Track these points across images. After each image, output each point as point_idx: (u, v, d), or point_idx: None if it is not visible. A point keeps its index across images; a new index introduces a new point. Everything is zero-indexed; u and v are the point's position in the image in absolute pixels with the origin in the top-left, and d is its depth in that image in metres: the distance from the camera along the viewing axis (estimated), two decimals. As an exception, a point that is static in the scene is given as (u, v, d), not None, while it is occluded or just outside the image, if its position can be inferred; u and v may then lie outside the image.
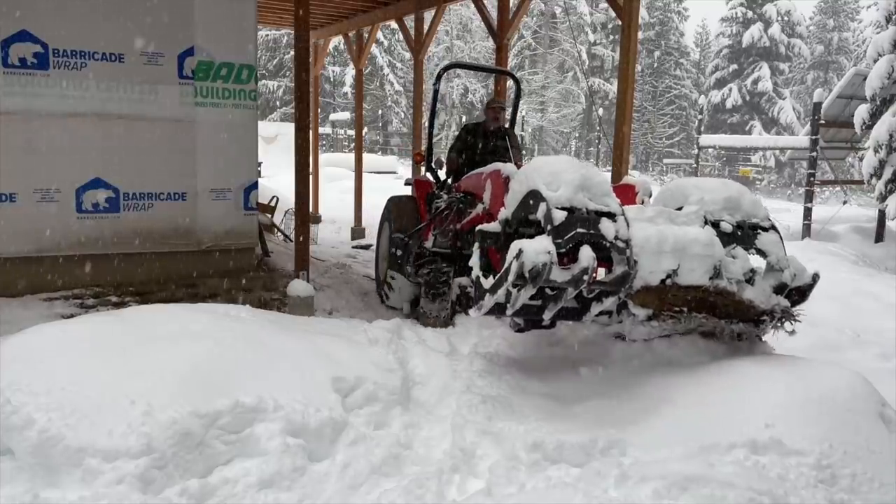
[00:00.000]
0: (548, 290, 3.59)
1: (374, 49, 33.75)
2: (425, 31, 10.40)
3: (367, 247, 11.04)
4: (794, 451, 2.98)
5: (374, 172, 22.44)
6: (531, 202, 3.63)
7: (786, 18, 40.74)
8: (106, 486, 2.64)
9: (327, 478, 2.99)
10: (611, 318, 3.86)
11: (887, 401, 3.44)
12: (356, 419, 3.33)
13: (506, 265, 3.46)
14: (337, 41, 19.89)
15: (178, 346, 3.31)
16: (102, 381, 2.99)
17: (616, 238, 3.45)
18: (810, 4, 47.47)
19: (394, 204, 6.75)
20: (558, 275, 3.35)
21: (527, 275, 3.33)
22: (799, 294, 3.87)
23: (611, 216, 3.52)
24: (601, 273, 3.61)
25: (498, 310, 3.70)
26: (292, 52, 17.84)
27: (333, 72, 36.54)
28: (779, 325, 3.87)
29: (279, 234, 9.80)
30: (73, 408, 2.82)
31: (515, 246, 3.39)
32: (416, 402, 3.75)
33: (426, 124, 7.07)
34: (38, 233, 6.22)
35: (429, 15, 10.44)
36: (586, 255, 3.37)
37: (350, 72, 32.86)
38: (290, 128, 10.37)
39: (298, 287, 5.91)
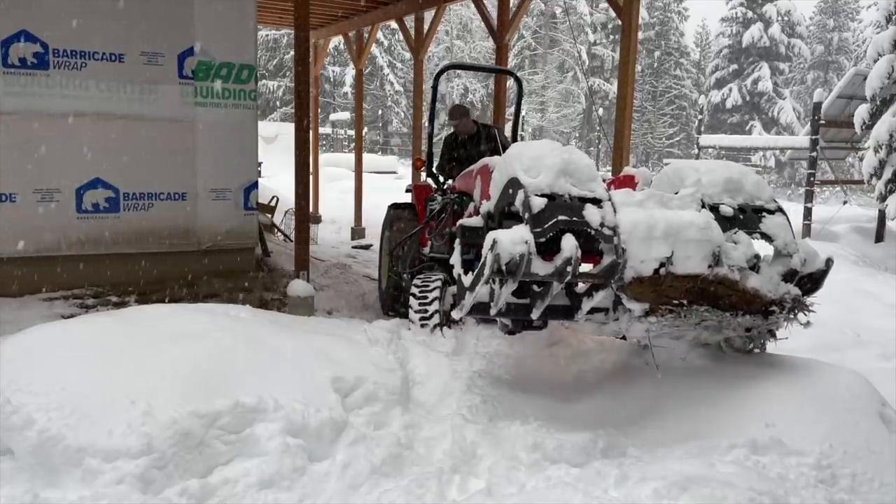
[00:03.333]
0: (535, 287, 3.35)
1: (374, 49, 33.75)
2: (425, 31, 10.41)
3: (367, 247, 11.04)
4: (794, 451, 2.99)
5: (374, 172, 22.46)
6: (511, 191, 3.39)
7: (786, 18, 40.73)
8: (106, 486, 2.64)
9: (327, 478, 2.98)
10: (607, 317, 3.52)
11: (887, 401, 3.44)
12: (356, 419, 3.33)
13: (482, 258, 3.23)
14: (337, 41, 19.90)
15: (179, 346, 3.31)
16: (102, 381, 2.99)
17: (602, 225, 3.16)
18: (810, 4, 47.46)
19: (393, 212, 6.60)
20: (540, 267, 3.11)
21: (503, 267, 3.08)
22: (811, 282, 3.56)
23: (596, 202, 3.25)
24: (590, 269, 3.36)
25: (481, 309, 3.44)
26: (292, 52, 17.85)
27: (333, 72, 36.54)
28: (791, 316, 3.54)
29: (279, 234, 9.81)
30: (73, 408, 2.82)
31: (490, 237, 3.16)
32: (416, 402, 3.75)
33: (426, 124, 7.03)
34: (38, 233, 6.22)
35: (429, 15, 10.44)
36: (569, 244, 3.10)
37: (350, 72, 32.88)
38: (290, 128, 10.37)
39: (298, 287, 5.91)
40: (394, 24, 13.37)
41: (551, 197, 3.22)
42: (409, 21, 10.67)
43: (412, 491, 2.92)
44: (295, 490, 2.88)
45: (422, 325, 4.64)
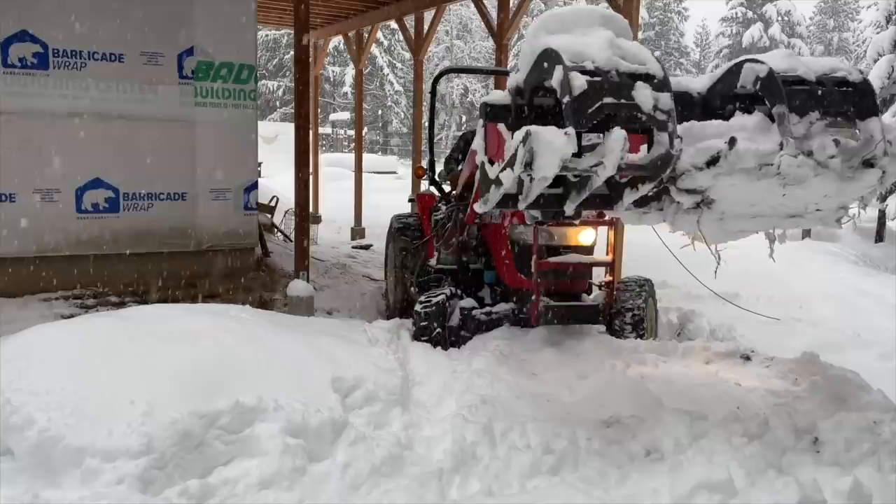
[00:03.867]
0: (570, 177, 2.87)
1: (374, 49, 33.71)
2: (425, 31, 10.41)
3: (367, 247, 11.03)
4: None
5: (374, 172, 22.42)
6: (545, 65, 2.86)
7: (786, 18, 40.71)
8: (106, 486, 2.64)
9: (327, 478, 2.98)
10: (649, 206, 3.09)
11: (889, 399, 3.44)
12: (356, 419, 3.33)
13: (512, 150, 2.82)
14: (337, 41, 19.89)
15: (179, 346, 3.31)
16: (102, 381, 3.00)
17: (656, 109, 2.69)
18: (810, 4, 47.40)
19: (397, 223, 6.38)
20: (579, 162, 2.69)
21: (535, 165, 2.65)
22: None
23: (649, 79, 2.74)
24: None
25: (509, 202, 3.01)
26: (292, 52, 17.84)
27: (333, 72, 36.53)
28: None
29: (279, 234, 9.80)
30: (73, 408, 2.82)
31: (524, 129, 2.71)
32: (416, 402, 3.75)
33: (426, 125, 6.95)
34: (38, 233, 6.22)
35: (429, 15, 10.44)
36: (617, 140, 2.61)
37: (350, 72, 32.85)
38: (290, 128, 10.35)
39: (298, 287, 5.91)
40: (394, 24, 13.39)
41: (595, 73, 2.72)
42: (409, 21, 10.66)
43: (412, 491, 2.91)
44: (295, 490, 2.87)
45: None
